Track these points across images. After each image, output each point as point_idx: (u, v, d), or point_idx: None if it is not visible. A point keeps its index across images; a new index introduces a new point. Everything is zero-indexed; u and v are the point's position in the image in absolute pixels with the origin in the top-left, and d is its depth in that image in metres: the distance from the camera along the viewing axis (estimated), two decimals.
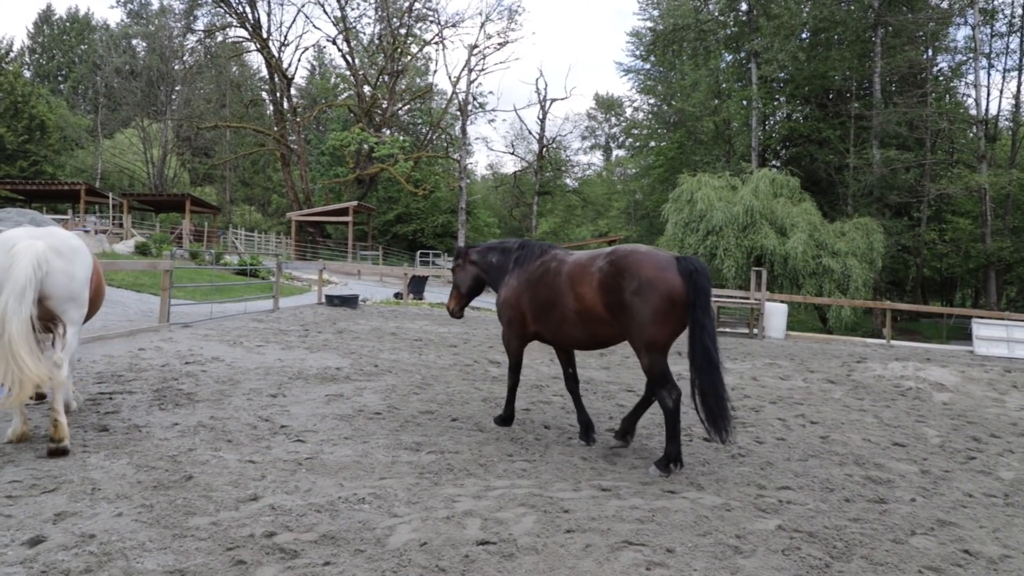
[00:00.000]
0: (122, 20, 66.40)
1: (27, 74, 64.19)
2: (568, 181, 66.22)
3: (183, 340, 10.40)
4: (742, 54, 42.08)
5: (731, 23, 42.33)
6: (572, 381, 6.06)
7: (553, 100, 61.06)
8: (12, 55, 60.47)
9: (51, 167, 53.84)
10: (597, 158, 75.53)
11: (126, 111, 58.81)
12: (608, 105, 70.44)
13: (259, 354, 9.45)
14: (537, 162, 60.08)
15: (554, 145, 62.70)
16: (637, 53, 56.18)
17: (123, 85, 58.68)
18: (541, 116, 59.84)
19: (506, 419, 6.18)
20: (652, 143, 57.11)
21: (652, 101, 58.92)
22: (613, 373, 9.67)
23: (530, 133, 63.89)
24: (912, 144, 35.07)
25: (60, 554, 3.20)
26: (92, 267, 5.44)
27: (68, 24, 73.64)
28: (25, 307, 4.62)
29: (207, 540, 3.42)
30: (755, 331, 18.74)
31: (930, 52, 37.76)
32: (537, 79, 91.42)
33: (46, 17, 73.51)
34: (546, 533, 3.72)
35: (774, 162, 41.81)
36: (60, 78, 72.44)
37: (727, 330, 19.49)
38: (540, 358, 10.65)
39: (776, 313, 18.91)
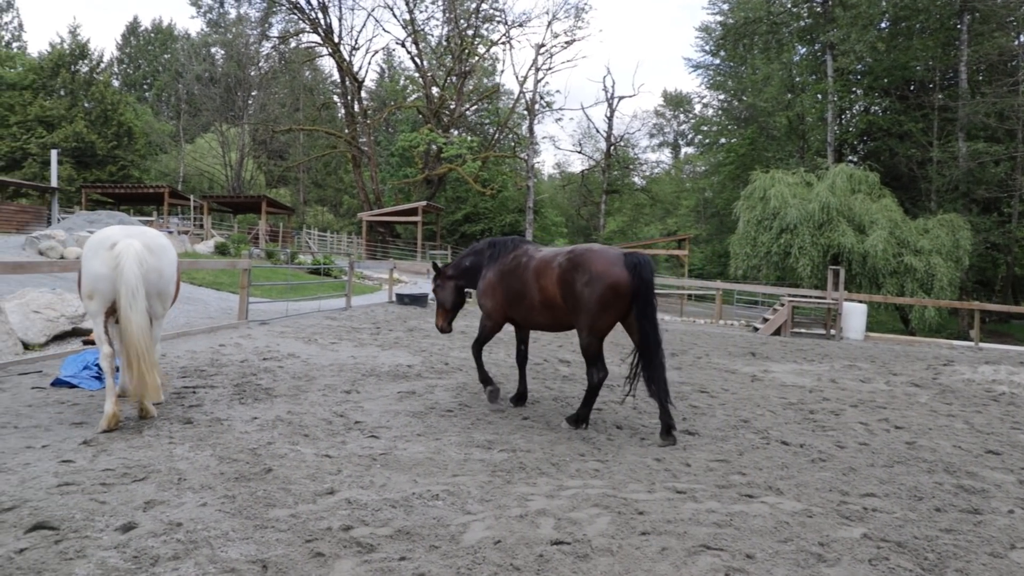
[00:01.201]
0: (202, 29, 69.10)
1: (116, 83, 67.43)
2: (636, 179, 65.43)
3: (261, 337, 10.73)
4: (817, 46, 40.69)
5: (805, 14, 41.02)
6: (522, 357, 6.94)
7: (621, 98, 60.45)
8: (103, 66, 63.61)
9: (137, 171, 56.40)
10: (665, 156, 74.51)
11: (206, 116, 61.27)
12: (676, 102, 69.34)
13: (333, 351, 9.65)
14: (605, 160, 59.63)
15: (622, 143, 62.12)
16: (706, 48, 55.13)
17: (203, 92, 61.07)
18: (608, 114, 59.34)
19: (493, 392, 6.77)
20: (722, 140, 55.95)
21: (722, 97, 57.76)
22: (685, 374, 9.49)
23: (597, 131, 63.52)
24: (1002, 136, 33.21)
25: (150, 540, 3.32)
26: (176, 264, 5.70)
27: (153, 35, 77.04)
28: (140, 302, 5.08)
29: (287, 532, 3.49)
30: (832, 332, 18.12)
31: (1022, 38, 35.73)
32: (604, 77, 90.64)
33: (133, 29, 77.09)
34: (621, 535, 3.66)
35: (851, 157, 40.33)
36: (145, 86, 75.86)
37: (802, 331, 18.91)
38: (610, 358, 10.54)
39: (854, 313, 18.25)
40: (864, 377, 10.15)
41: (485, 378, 6.87)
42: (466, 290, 7.33)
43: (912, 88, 38.51)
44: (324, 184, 67.88)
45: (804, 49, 43.36)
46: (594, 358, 5.87)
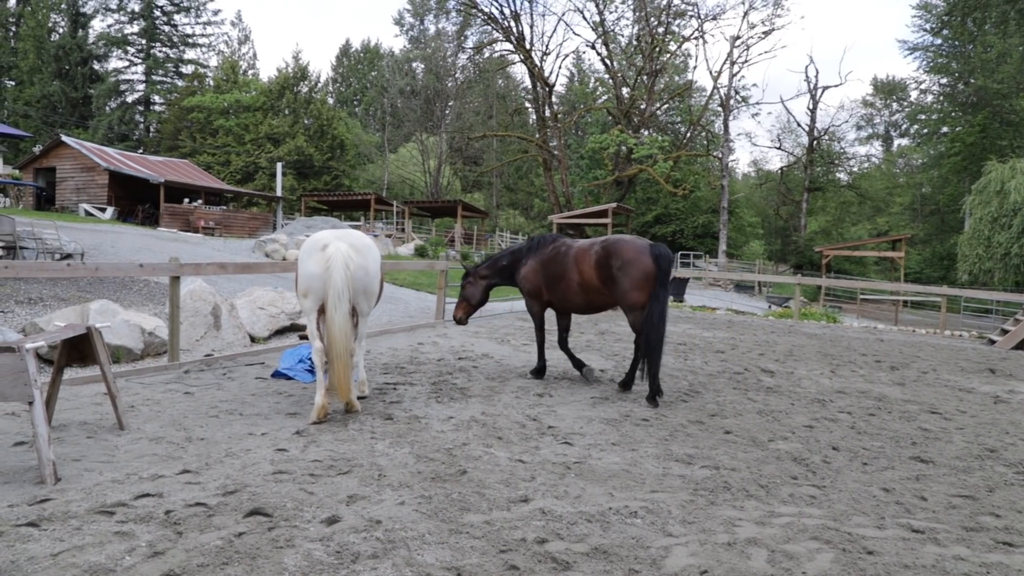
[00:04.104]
0: (404, 46, 73.98)
1: (330, 101, 73.79)
2: (842, 175, 60.66)
3: (456, 336, 11.03)
4: None
5: None
6: (563, 342, 7.98)
7: (825, 88, 56.04)
8: (319, 85, 69.87)
9: (348, 180, 61.33)
10: (876, 149, 68.42)
11: (407, 127, 65.52)
12: (888, 89, 63.27)
13: (525, 352, 9.68)
14: (806, 156, 55.90)
15: (826, 137, 57.88)
16: (926, 27, 49.77)
17: (405, 104, 65.43)
18: (811, 106, 55.62)
19: (538, 371, 7.85)
20: (944, 129, 50.23)
21: (944, 81, 51.78)
22: (910, 391, 8.44)
23: (798, 125, 59.74)
24: None
25: (351, 536, 3.36)
26: (380, 263, 5.94)
27: (362, 55, 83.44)
28: (344, 304, 5.41)
29: (481, 539, 3.40)
30: None
31: None
32: (807, 66, 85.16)
33: (345, 50, 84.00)
34: None
35: None
36: (355, 102, 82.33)
37: None
38: (820, 369, 9.67)
39: None
40: None
41: (542, 367, 7.87)
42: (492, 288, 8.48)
43: None
44: (516, 188, 69.78)
45: None
46: (642, 328, 6.78)
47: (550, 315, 8.09)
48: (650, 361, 6.58)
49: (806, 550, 3.47)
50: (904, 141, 63.72)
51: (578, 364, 7.92)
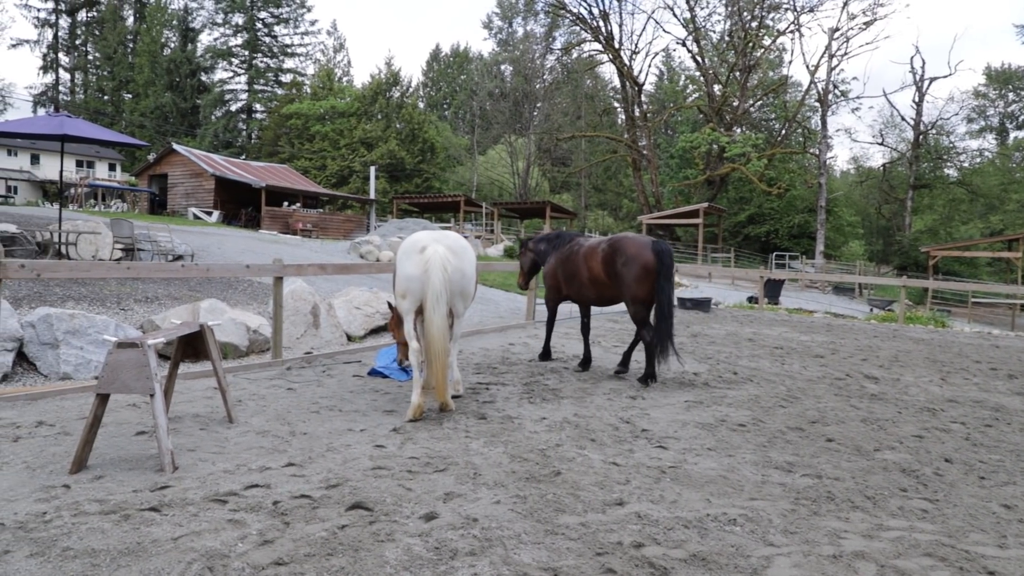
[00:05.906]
0: (493, 49, 74.81)
1: (421, 105, 75.42)
2: (950, 172, 57.22)
3: None
4: None
5: None
6: (585, 328, 8.48)
7: (932, 79, 52.67)
8: (411, 90, 71.49)
9: (438, 182, 62.54)
10: (989, 142, 64.19)
11: (496, 129, 66.24)
12: (1004, 79, 59.34)
13: (615, 354, 9.59)
14: (912, 151, 53.07)
15: (933, 131, 54.78)
16: None
17: (494, 106, 66.22)
18: (917, 99, 52.75)
19: (544, 355, 8.75)
20: None
21: None
22: None
23: (903, 119, 56.81)
24: None
25: (449, 533, 3.42)
26: (475, 264, 6.03)
27: (451, 59, 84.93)
28: (442, 306, 5.51)
29: (576, 541, 3.39)
30: None
31: None
32: (912, 57, 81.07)
33: (435, 55, 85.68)
34: None
35: None
36: (445, 105, 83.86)
37: None
38: (929, 376, 9.17)
39: None
40: None
41: (547, 350, 8.75)
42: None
43: None
44: (604, 188, 69.38)
45: None
46: (642, 323, 7.43)
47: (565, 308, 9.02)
48: (661, 348, 7.16)
49: (919, 567, 3.30)
50: (1021, 133, 59.62)
51: (587, 357, 8.41)
